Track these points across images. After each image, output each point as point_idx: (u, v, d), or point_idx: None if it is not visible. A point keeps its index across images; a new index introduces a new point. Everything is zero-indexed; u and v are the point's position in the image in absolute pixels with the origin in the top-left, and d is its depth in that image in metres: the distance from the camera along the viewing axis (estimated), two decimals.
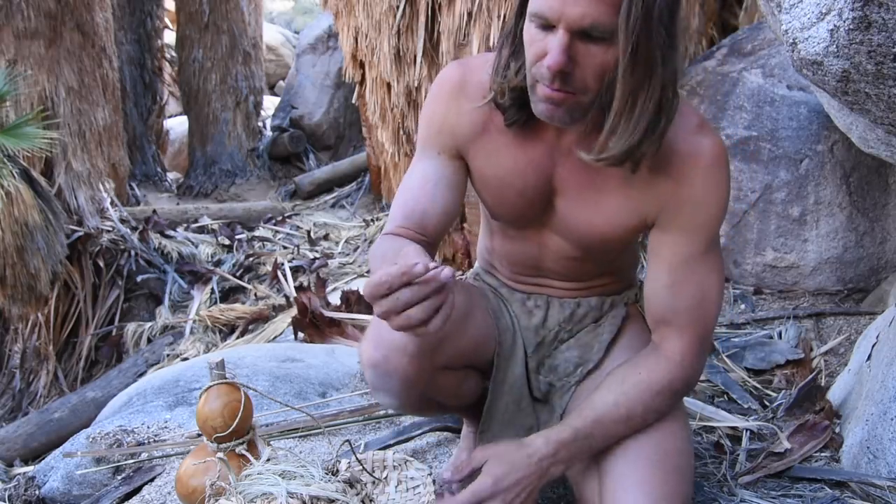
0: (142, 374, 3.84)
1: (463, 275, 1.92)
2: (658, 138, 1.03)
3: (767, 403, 2.03)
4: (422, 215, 1.19)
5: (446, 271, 0.86)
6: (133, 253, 5.13)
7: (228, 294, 4.97)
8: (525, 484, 1.09)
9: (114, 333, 4.80)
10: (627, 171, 1.08)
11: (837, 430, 1.78)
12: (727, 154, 1.12)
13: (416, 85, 3.32)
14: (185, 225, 5.97)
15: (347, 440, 1.61)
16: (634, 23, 0.93)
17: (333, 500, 1.12)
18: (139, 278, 5.03)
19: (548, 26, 0.99)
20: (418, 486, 1.40)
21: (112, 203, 5.37)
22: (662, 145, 1.06)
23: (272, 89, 11.27)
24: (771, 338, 2.38)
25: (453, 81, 1.21)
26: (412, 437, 1.76)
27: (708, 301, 1.15)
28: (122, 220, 5.36)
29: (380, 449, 1.66)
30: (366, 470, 1.37)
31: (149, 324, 4.72)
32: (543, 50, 0.99)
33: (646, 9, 0.93)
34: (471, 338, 1.26)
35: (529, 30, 1.02)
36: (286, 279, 4.71)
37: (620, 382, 1.16)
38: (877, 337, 1.86)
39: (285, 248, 5.56)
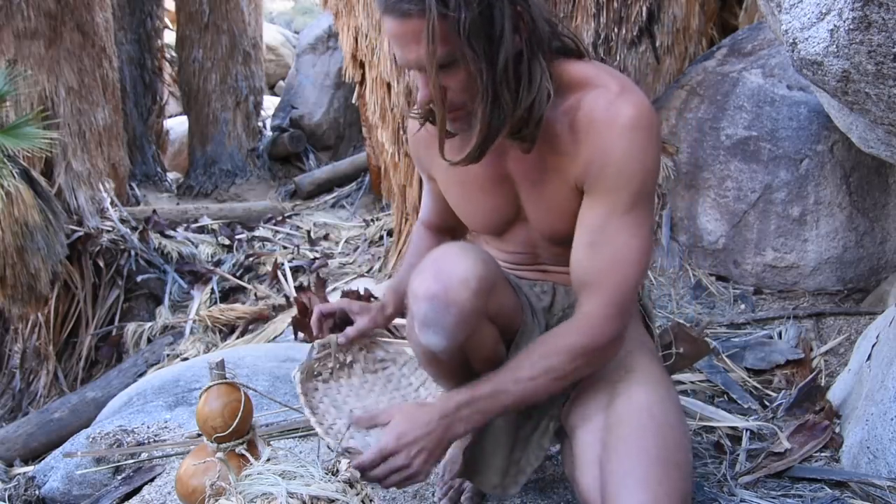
0: (142, 374, 3.84)
1: None
2: (526, 120, 1.12)
3: (767, 403, 2.03)
4: (438, 215, 1.47)
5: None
6: (133, 253, 5.12)
7: (228, 294, 4.96)
8: (428, 439, 1.14)
9: (114, 333, 4.79)
10: (559, 151, 1.16)
11: (837, 430, 1.78)
12: (651, 116, 1.13)
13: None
14: (185, 225, 5.96)
15: None
16: (434, 52, 1.05)
17: (333, 500, 1.12)
18: (139, 278, 5.02)
19: None
20: (388, 367, 1.50)
21: (112, 203, 5.36)
22: (584, 115, 1.13)
23: (272, 89, 11.27)
24: (771, 338, 2.38)
25: (414, 126, 1.33)
26: None
27: (625, 263, 1.15)
28: (122, 220, 5.35)
29: None
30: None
31: (149, 324, 4.70)
32: None
33: (449, 34, 1.04)
34: (511, 294, 1.31)
35: None
36: (286, 279, 4.71)
37: (537, 344, 1.19)
38: (877, 337, 1.86)
39: (285, 248, 5.55)
